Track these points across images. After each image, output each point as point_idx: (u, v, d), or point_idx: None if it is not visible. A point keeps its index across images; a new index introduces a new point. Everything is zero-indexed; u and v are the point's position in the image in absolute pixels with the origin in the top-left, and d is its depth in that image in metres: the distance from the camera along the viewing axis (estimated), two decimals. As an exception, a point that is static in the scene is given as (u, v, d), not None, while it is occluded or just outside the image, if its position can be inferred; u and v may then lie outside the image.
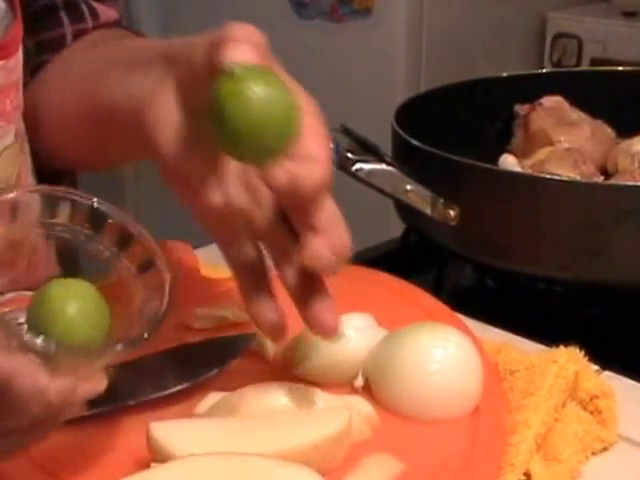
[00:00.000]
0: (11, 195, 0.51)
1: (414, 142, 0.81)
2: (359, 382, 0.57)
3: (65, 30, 0.77)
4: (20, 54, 0.67)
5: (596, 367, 0.63)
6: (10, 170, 0.68)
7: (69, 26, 0.77)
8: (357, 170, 0.76)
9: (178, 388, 0.57)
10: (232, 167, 0.53)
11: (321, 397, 0.53)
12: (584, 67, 1.76)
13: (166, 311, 0.50)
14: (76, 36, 0.77)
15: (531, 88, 0.99)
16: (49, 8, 0.78)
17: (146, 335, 0.48)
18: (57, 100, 0.73)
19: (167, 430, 0.49)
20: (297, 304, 0.55)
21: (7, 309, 0.51)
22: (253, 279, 0.56)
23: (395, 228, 0.95)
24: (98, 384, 0.47)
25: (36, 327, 0.47)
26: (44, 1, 0.77)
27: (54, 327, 0.47)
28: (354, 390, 0.57)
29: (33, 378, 0.44)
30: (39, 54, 0.77)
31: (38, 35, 0.77)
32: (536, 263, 0.76)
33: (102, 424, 0.54)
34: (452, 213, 0.77)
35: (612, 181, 0.87)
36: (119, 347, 0.47)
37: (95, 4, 0.80)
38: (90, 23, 0.79)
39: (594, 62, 1.78)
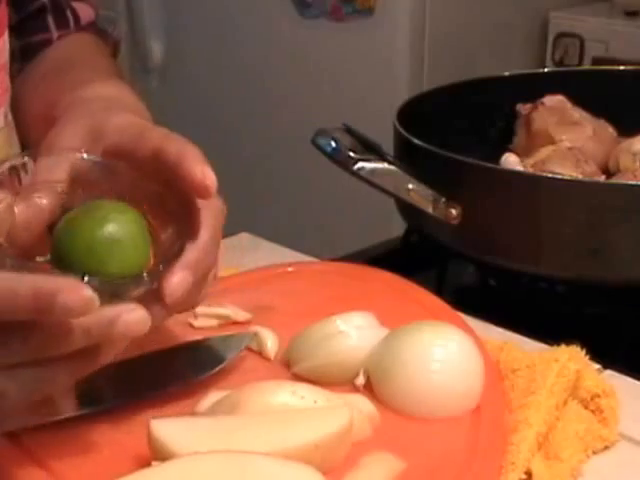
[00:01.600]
0: (20, 160, 0.51)
1: (416, 141, 0.80)
2: (360, 381, 0.57)
3: (52, 35, 0.78)
4: (6, 38, 0.67)
5: (597, 366, 0.63)
6: (1, 154, 0.68)
7: (55, 31, 0.79)
8: (359, 169, 0.76)
9: (178, 386, 0.57)
10: None
11: (322, 396, 0.53)
12: (586, 66, 1.76)
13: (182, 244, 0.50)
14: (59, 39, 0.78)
15: (533, 87, 0.99)
16: (38, 11, 0.78)
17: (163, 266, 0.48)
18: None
19: (168, 428, 0.49)
20: None
21: None
22: None
23: (397, 227, 0.95)
24: (137, 314, 0.46)
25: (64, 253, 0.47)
26: (36, 5, 0.78)
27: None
28: (355, 389, 0.57)
29: (78, 290, 0.43)
30: (25, 58, 0.78)
31: (25, 38, 0.78)
32: (538, 262, 0.76)
33: (102, 422, 0.54)
34: (454, 212, 0.77)
35: (614, 180, 0.87)
36: (145, 277, 0.48)
37: (75, 4, 0.81)
38: (72, 27, 0.80)
39: (596, 61, 1.78)
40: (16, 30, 0.76)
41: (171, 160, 0.53)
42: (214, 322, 0.66)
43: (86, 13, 0.82)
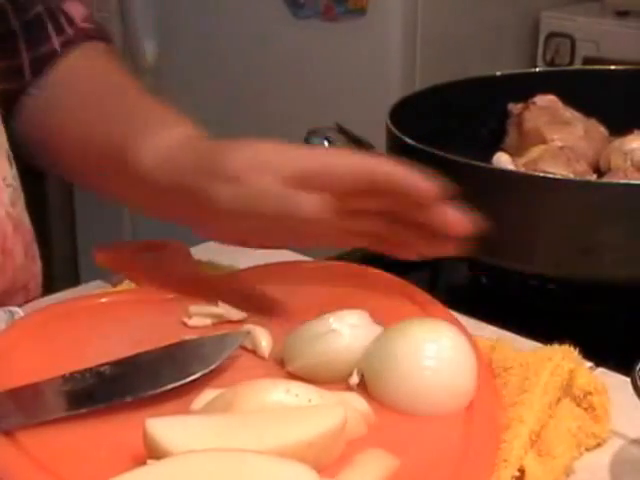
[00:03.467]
0: None
1: (408, 141, 0.81)
2: (354, 379, 0.57)
3: (54, 44, 0.80)
4: None
5: (589, 364, 0.63)
6: None
7: (56, 38, 0.80)
8: (352, 168, 0.76)
9: (173, 385, 0.57)
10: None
11: (316, 394, 0.54)
12: (577, 66, 1.76)
13: None
14: (62, 46, 0.80)
15: (524, 87, 0.99)
16: (38, 21, 0.80)
17: None
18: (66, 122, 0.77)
19: (163, 427, 0.49)
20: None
21: None
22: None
23: (390, 226, 0.95)
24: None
25: None
26: (32, 13, 0.79)
27: None
28: (349, 387, 0.57)
29: None
30: (35, 71, 0.79)
31: (33, 51, 0.80)
32: (530, 261, 0.77)
33: (98, 421, 0.54)
34: (446, 211, 0.77)
35: (605, 179, 0.88)
36: None
37: (64, 5, 0.82)
38: (70, 31, 0.81)
39: (587, 61, 1.78)
40: (22, 43, 0.77)
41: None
42: (208, 321, 0.66)
43: (78, 10, 0.83)
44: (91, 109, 0.75)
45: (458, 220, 0.63)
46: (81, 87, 0.78)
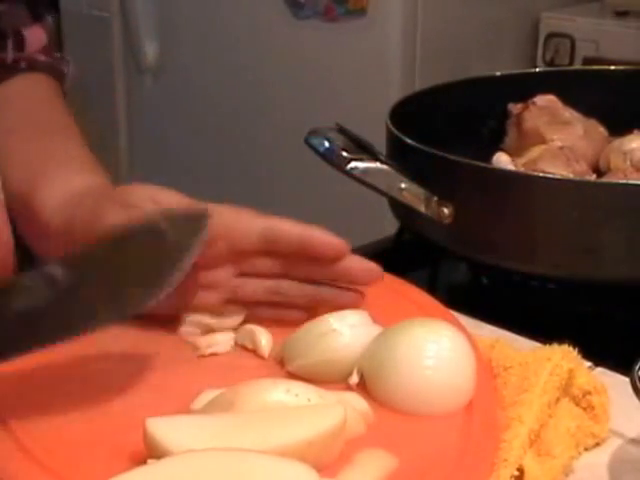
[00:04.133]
0: None
1: (408, 141, 0.81)
2: (354, 379, 0.58)
3: None
4: None
5: (588, 363, 0.63)
6: None
7: None
8: (352, 169, 0.77)
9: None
10: None
11: (316, 393, 0.54)
12: (577, 66, 1.76)
13: None
14: None
15: (524, 87, 0.99)
16: None
17: None
18: None
19: (163, 426, 0.49)
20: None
21: None
22: None
23: (390, 226, 0.95)
24: None
25: None
26: None
27: None
28: (349, 387, 0.58)
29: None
30: None
31: None
32: (529, 261, 0.77)
33: (98, 421, 0.54)
34: (446, 211, 0.77)
35: (604, 179, 0.88)
36: None
37: (26, 32, 0.81)
38: (10, 54, 0.80)
39: (586, 61, 1.78)
40: None
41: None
42: (199, 330, 0.64)
43: (37, 37, 0.83)
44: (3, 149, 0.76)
45: (364, 269, 0.63)
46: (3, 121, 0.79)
